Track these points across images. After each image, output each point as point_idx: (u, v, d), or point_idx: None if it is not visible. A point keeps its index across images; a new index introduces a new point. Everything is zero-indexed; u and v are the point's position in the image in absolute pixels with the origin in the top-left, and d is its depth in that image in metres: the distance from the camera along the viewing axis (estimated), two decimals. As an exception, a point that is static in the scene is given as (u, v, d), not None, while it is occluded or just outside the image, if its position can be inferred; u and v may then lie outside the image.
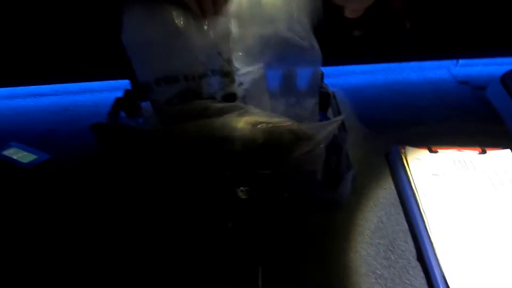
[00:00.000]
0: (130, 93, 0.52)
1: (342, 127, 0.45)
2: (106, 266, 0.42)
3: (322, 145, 0.42)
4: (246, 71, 0.49)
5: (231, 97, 0.50)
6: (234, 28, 0.47)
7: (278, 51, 0.48)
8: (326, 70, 0.74)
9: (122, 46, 0.47)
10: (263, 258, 0.43)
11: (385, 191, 0.50)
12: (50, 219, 0.47)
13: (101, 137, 0.43)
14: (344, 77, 0.72)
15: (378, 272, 0.42)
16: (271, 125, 0.43)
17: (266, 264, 0.42)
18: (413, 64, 0.74)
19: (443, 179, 0.48)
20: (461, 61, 0.74)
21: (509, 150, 0.51)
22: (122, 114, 0.52)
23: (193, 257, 0.42)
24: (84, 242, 0.45)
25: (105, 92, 0.66)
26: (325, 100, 0.55)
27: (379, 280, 0.41)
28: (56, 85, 0.66)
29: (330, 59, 0.71)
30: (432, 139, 0.58)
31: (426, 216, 0.43)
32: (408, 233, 0.45)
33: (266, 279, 0.41)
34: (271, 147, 0.43)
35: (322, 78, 0.55)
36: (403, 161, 0.50)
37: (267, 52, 0.48)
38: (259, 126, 0.43)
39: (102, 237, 0.45)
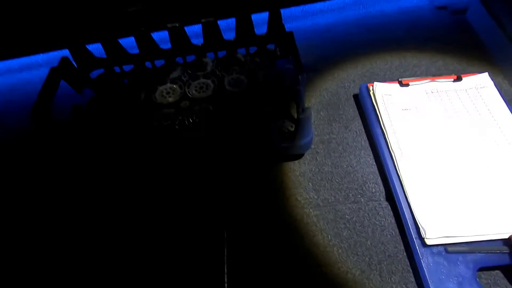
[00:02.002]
0: (68, 61, 0.47)
1: (299, 68, 0.41)
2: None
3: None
4: None
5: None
6: None
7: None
8: (291, 11, 0.68)
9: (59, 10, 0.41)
10: (228, 214, 0.41)
11: (355, 134, 0.47)
12: None
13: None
14: (312, 17, 0.66)
15: (347, 217, 0.40)
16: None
17: (232, 220, 0.41)
18: (387, -7, 0.67)
19: (414, 113, 0.44)
20: (439, -17, 0.67)
21: (486, 73, 0.47)
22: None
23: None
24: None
25: (53, 64, 0.60)
26: (286, 43, 0.50)
27: (347, 225, 0.40)
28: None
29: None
30: (407, 72, 0.54)
31: (395, 155, 0.40)
32: (378, 175, 0.43)
33: (231, 236, 0.40)
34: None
35: (280, 20, 0.50)
36: (371, 99, 0.46)
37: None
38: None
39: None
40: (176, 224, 0.41)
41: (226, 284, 0.36)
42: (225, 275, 0.37)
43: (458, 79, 0.46)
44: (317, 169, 0.44)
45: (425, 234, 0.34)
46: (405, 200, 0.37)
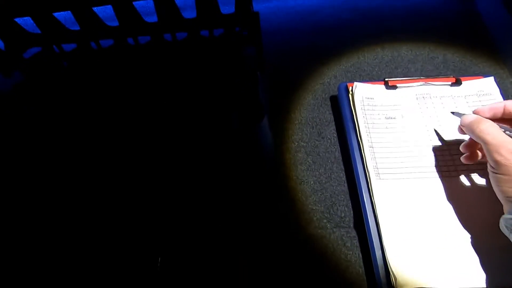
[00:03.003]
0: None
1: (259, 65, 0.33)
2: None
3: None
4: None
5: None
6: None
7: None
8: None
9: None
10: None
11: (328, 143, 0.39)
12: None
13: None
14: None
15: (308, 246, 0.33)
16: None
17: (169, 244, 0.34)
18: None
19: (399, 123, 0.36)
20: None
21: (492, 78, 0.38)
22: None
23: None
24: None
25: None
26: (252, 25, 0.41)
27: (306, 257, 0.33)
28: None
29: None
30: (399, 69, 0.45)
31: (369, 176, 0.33)
32: (350, 196, 0.35)
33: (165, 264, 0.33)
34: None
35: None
36: (350, 102, 0.38)
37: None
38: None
39: None
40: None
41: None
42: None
43: (457, 82, 0.38)
44: (280, 184, 0.37)
45: (395, 283, 0.27)
46: (377, 235, 0.30)
